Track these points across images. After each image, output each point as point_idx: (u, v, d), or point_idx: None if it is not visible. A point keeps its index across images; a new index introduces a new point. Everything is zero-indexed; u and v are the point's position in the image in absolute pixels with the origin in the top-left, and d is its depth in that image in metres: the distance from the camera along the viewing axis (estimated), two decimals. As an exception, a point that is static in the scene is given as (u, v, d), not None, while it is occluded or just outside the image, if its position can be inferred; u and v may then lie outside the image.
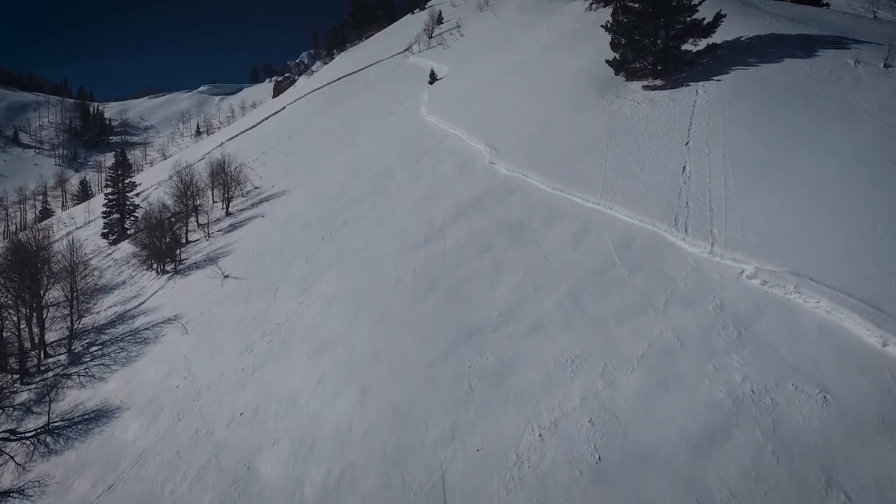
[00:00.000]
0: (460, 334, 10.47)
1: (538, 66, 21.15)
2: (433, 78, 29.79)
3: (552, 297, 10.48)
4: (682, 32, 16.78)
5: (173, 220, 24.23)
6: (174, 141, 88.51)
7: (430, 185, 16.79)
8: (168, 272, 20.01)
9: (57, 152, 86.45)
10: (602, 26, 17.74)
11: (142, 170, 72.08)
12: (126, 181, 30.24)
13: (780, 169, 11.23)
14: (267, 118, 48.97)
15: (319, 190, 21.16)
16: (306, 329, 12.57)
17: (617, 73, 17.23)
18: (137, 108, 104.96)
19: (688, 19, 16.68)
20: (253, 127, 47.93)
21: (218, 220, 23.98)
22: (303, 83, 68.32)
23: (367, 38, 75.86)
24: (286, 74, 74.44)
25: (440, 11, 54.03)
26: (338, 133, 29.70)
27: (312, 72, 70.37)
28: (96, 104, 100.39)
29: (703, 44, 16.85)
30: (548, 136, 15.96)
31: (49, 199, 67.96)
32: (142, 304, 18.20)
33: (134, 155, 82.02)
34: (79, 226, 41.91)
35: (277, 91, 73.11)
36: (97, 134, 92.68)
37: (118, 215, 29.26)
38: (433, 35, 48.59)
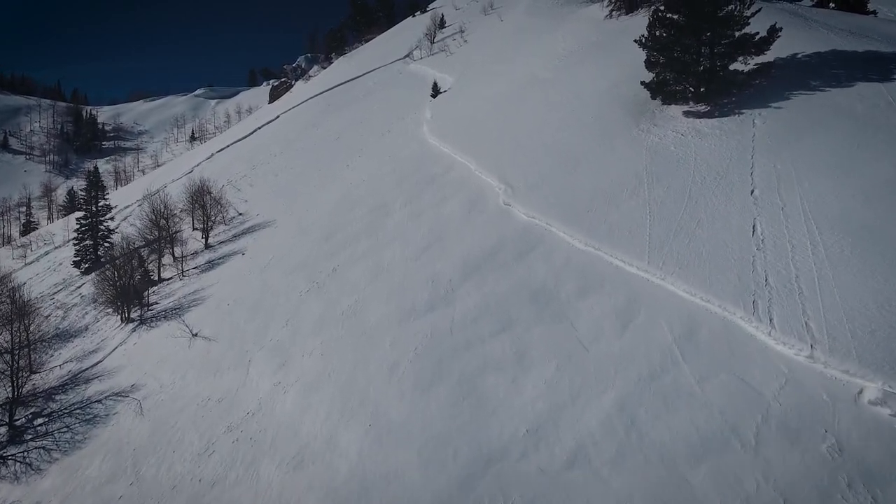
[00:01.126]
0: (476, 459, 7.98)
1: (557, 84, 18.65)
2: (436, 91, 27.30)
3: (597, 410, 8.01)
4: (730, 49, 14.28)
5: (145, 252, 21.80)
6: (168, 147, 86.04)
7: (433, 228, 14.30)
8: (134, 320, 17.56)
9: (48, 158, 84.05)
10: (636, 41, 15.23)
11: (132, 178, 69.78)
12: (100, 203, 27.69)
13: (886, 235, 8.73)
14: (260, 128, 46.50)
15: (307, 223, 18.67)
16: (280, 426, 10.08)
17: (654, 97, 14.73)
18: (132, 112, 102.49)
19: (737, 34, 14.19)
20: (245, 137, 45.45)
21: (195, 254, 21.52)
22: (299, 89, 65.88)
23: (366, 40, 73.43)
24: (283, 79, 71.95)
25: (442, 15, 51.54)
26: (331, 150, 27.21)
27: (310, 77, 67.89)
28: (89, 108, 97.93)
29: (755, 62, 14.38)
30: (574, 173, 13.47)
31: (35, 210, 65.42)
32: (99, 362, 15.74)
33: (125, 162, 79.72)
34: (57, 245, 39.43)
35: (273, 96, 70.61)
36: (89, 139, 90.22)
37: (91, 241, 26.78)
38: (435, 40, 46.09)
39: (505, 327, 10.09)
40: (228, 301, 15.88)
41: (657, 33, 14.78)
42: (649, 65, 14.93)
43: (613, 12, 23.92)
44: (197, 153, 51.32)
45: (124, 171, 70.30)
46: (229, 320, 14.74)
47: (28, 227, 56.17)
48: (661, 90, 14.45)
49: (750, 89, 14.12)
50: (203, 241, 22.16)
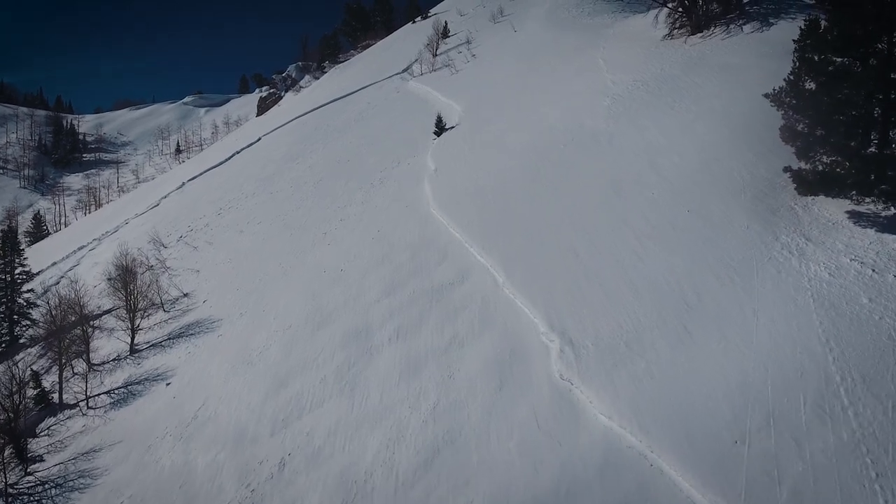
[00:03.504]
0: None
1: (618, 143, 12.98)
2: (440, 127, 21.63)
3: None
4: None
5: (50, 352, 16.18)
6: (151, 160, 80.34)
7: (442, 411, 8.66)
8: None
9: (23, 173, 78.36)
10: (766, 96, 9.55)
11: (108, 200, 64.14)
12: (17, 271, 21.80)
13: None
14: (239, 152, 40.90)
15: (257, 345, 12.96)
16: None
17: (808, 193, 9.06)
18: (116, 122, 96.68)
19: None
20: (221, 164, 39.86)
21: (116, 362, 15.90)
22: (288, 101, 60.31)
23: (362, 47, 67.83)
24: (271, 90, 66.32)
25: (446, 23, 45.88)
26: (309, 203, 21.55)
27: (300, 87, 62.30)
28: (70, 118, 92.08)
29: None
30: (686, 341, 7.80)
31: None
32: None
33: (104, 178, 74.23)
34: None
35: (261, 108, 65.03)
36: (69, 151, 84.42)
37: (5, 317, 21.09)
38: (437, 52, 40.45)
39: None
40: (123, 499, 10.21)
41: (806, 86, 9.06)
42: (790, 137, 9.23)
43: (675, 31, 18.24)
44: (169, 179, 45.71)
45: (96, 196, 64.47)
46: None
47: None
48: (825, 185, 8.75)
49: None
50: (129, 341, 16.47)
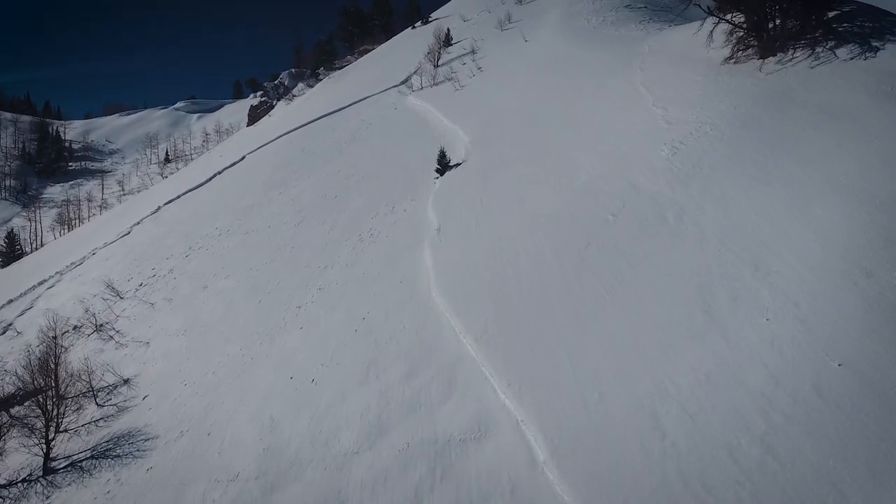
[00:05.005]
0: None
1: (697, 227, 9.20)
2: (443, 164, 17.95)
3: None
4: None
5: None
6: (139, 169, 76.63)
7: None
8: None
9: (4, 184, 74.72)
10: None
11: (93, 211, 60.39)
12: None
13: None
14: (220, 172, 37.24)
15: None
16: None
17: None
18: (105, 129, 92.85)
19: None
20: (201, 185, 36.21)
21: (26, 486, 12.29)
22: (280, 111, 56.70)
23: (359, 53, 64.23)
24: (262, 99, 62.64)
25: (448, 30, 42.19)
26: (283, 257, 17.89)
27: (293, 96, 58.64)
28: (56, 125, 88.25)
29: None
30: None
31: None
32: None
33: (87, 190, 70.53)
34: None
35: (252, 118, 61.37)
36: (53, 160, 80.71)
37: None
38: (439, 63, 36.81)
39: None
40: None
41: None
42: None
43: (738, 53, 14.50)
44: (147, 199, 42.03)
45: (78, 210, 60.64)
46: None
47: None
48: None
49: None
50: (44, 451, 12.80)
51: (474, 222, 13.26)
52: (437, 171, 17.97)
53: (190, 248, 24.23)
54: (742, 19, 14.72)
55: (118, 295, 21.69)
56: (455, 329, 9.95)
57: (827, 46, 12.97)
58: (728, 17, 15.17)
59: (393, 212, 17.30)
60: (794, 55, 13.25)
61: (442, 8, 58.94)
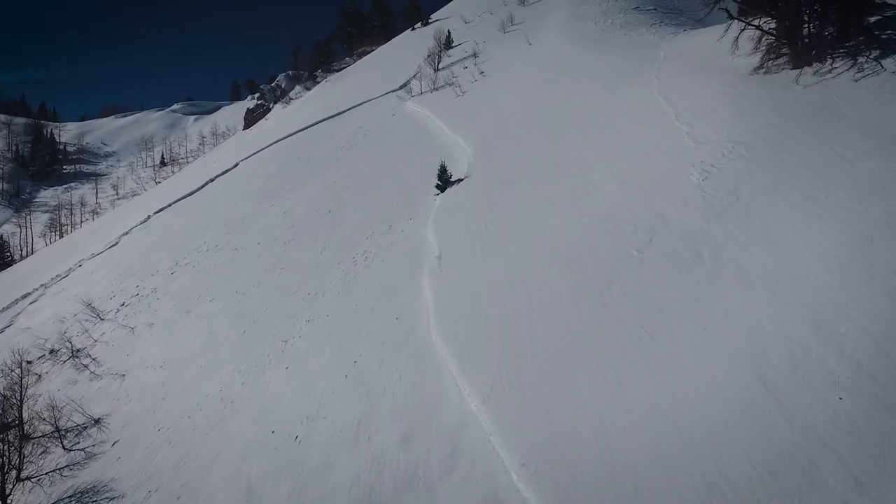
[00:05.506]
0: None
1: (741, 271, 7.86)
2: (444, 179, 16.66)
3: None
4: None
5: None
6: (134, 172, 75.25)
7: None
8: None
9: (-3, 187, 73.52)
10: None
11: (85, 216, 58.99)
12: None
13: None
14: (213, 180, 35.97)
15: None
16: None
17: None
18: (100, 131, 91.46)
19: None
20: (193, 193, 34.94)
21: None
22: (276, 115, 55.39)
23: (358, 55, 62.93)
24: (259, 101, 61.30)
25: (449, 32, 40.90)
26: (271, 281, 16.59)
27: (290, 99, 57.32)
28: (50, 127, 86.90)
29: None
30: None
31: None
32: None
33: (80, 194, 69.18)
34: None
35: (248, 121, 60.09)
36: (48, 163, 79.41)
37: None
38: (440, 67, 35.50)
39: None
40: None
41: None
42: None
43: (769, 62, 13.19)
44: (138, 205, 40.70)
45: (70, 216, 59.26)
46: None
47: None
48: None
49: None
50: (2, 506, 11.56)
51: (479, 250, 11.96)
52: (438, 186, 16.68)
53: (176, 263, 22.96)
54: (773, 25, 13.41)
55: (98, 316, 20.42)
56: (458, 385, 8.66)
57: (870, 56, 11.67)
58: (756, 21, 13.85)
59: (390, 231, 16.02)
60: (834, 65, 11.95)
61: (442, 9, 57.65)
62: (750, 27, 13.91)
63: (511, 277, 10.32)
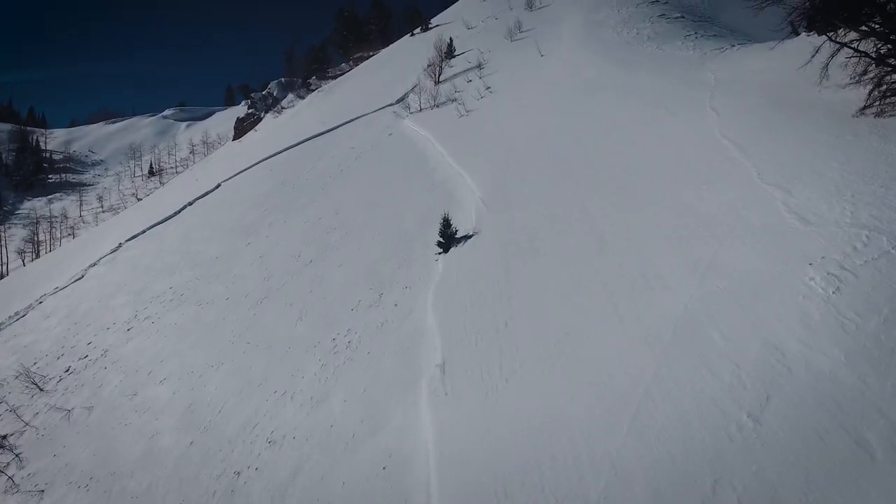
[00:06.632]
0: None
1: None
2: (447, 235, 13.40)
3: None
4: None
5: None
6: (121, 182, 72.00)
7: None
8: None
9: (-22, 198, 70.27)
10: None
11: (65, 231, 55.72)
12: None
13: None
14: (192, 203, 32.77)
15: None
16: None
17: None
18: (89, 138, 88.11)
19: None
20: (168, 219, 31.74)
21: None
22: (266, 126, 52.22)
23: (354, 60, 59.79)
24: (250, 110, 58.13)
25: (451, 39, 37.64)
26: (232, 367, 13.39)
27: (282, 108, 54.11)
28: (37, 134, 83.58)
29: None
30: None
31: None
32: None
33: (63, 207, 66.01)
34: None
35: (238, 131, 56.94)
36: (32, 172, 76.19)
37: None
38: (441, 79, 32.29)
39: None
40: None
41: None
42: None
43: (883, 100, 9.91)
44: (112, 228, 37.45)
45: (50, 230, 56.15)
46: None
47: None
48: None
49: None
50: None
51: (497, 365, 8.70)
52: (440, 244, 13.43)
53: (135, 315, 19.76)
54: (884, 46, 10.10)
55: (38, 386, 17.21)
56: None
57: None
58: (854, 43, 10.53)
59: (379, 303, 12.78)
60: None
61: (443, 13, 54.47)
62: (846, 48, 10.60)
63: (548, 427, 7.06)
